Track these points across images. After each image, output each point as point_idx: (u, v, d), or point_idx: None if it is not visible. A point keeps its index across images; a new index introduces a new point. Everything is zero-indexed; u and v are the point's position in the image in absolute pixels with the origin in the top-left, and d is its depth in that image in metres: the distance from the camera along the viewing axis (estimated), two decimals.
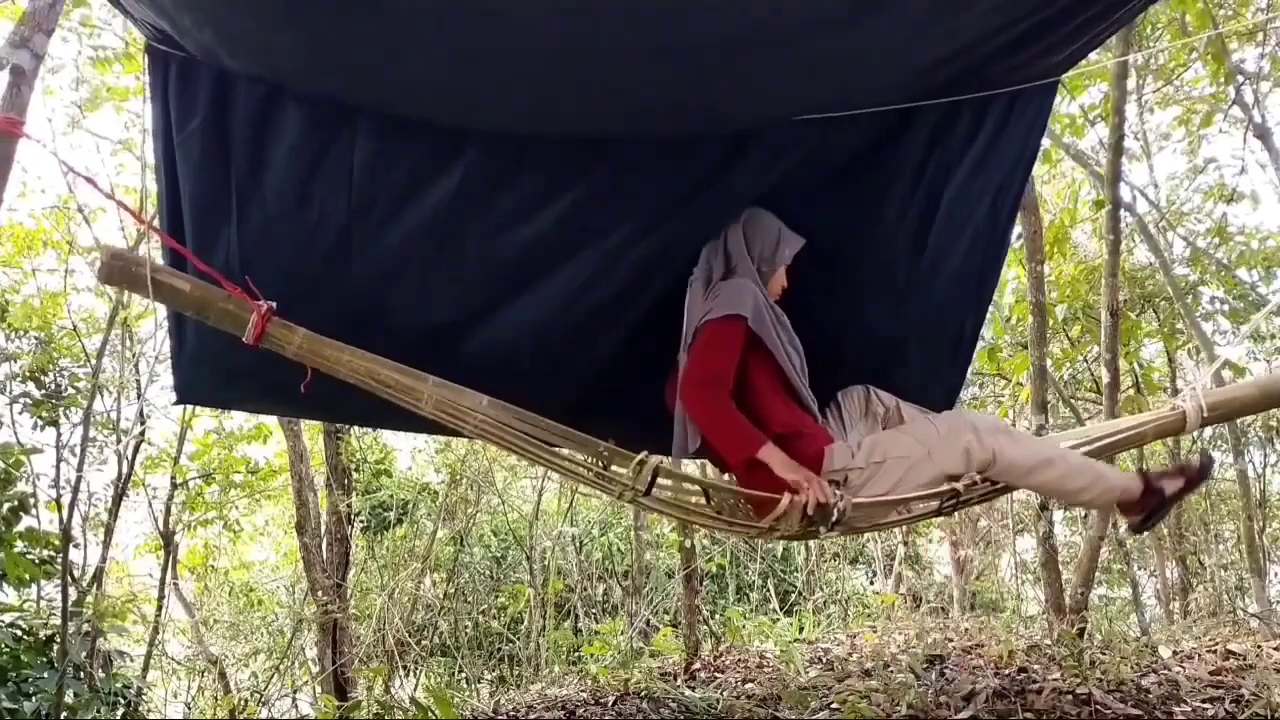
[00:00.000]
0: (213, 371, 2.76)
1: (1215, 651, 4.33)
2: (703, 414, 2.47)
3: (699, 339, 2.55)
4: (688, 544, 5.65)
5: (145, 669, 5.66)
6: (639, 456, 2.30)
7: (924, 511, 2.60)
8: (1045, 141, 5.76)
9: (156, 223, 2.67)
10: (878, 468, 2.43)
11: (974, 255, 2.96)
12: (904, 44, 2.30)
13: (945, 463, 2.45)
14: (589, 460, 2.45)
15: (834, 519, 2.30)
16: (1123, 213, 5.27)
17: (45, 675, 3.97)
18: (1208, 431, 8.01)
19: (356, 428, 7.12)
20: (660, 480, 2.35)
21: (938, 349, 3.10)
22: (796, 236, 2.72)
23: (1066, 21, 2.31)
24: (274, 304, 2.18)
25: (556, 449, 2.46)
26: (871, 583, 10.28)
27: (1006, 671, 4.19)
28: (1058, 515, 8.14)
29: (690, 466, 4.08)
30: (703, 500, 2.59)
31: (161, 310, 3.06)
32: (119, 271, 2.14)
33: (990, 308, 3.29)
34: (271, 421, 6.49)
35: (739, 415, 2.45)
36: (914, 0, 2.08)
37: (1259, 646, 4.34)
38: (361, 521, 7.83)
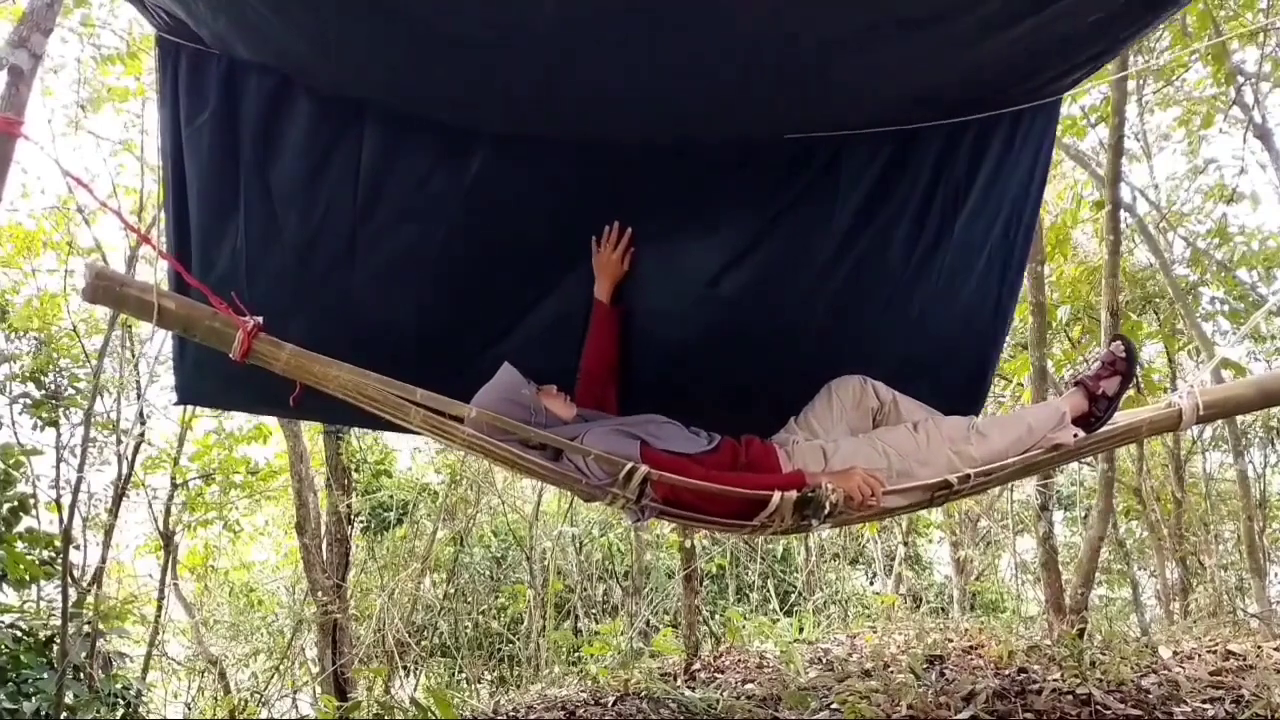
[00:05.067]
0: (214, 374, 2.76)
1: (1215, 652, 4.33)
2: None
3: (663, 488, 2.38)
4: (688, 544, 5.65)
5: (145, 669, 5.66)
6: (627, 466, 2.28)
7: (916, 503, 2.64)
8: None
9: (161, 219, 2.67)
10: (846, 474, 2.44)
11: (990, 281, 2.92)
12: (922, 65, 2.29)
13: (924, 473, 2.51)
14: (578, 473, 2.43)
15: (826, 511, 2.31)
16: (1123, 213, 5.27)
17: (45, 676, 3.97)
18: (1208, 431, 8.02)
19: (356, 428, 7.13)
20: (650, 489, 2.34)
21: (952, 376, 3.04)
22: (507, 379, 2.50)
23: (1079, 44, 2.30)
24: (260, 319, 2.18)
25: (545, 464, 2.44)
26: (871, 583, 10.28)
27: (1006, 672, 4.19)
28: (1058, 515, 8.14)
29: None
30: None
31: None
32: (103, 291, 2.15)
33: (1008, 334, 3.22)
34: (271, 422, 6.49)
35: (748, 475, 2.47)
36: (948, 23, 2.07)
37: (1259, 647, 4.34)
38: (361, 522, 7.83)
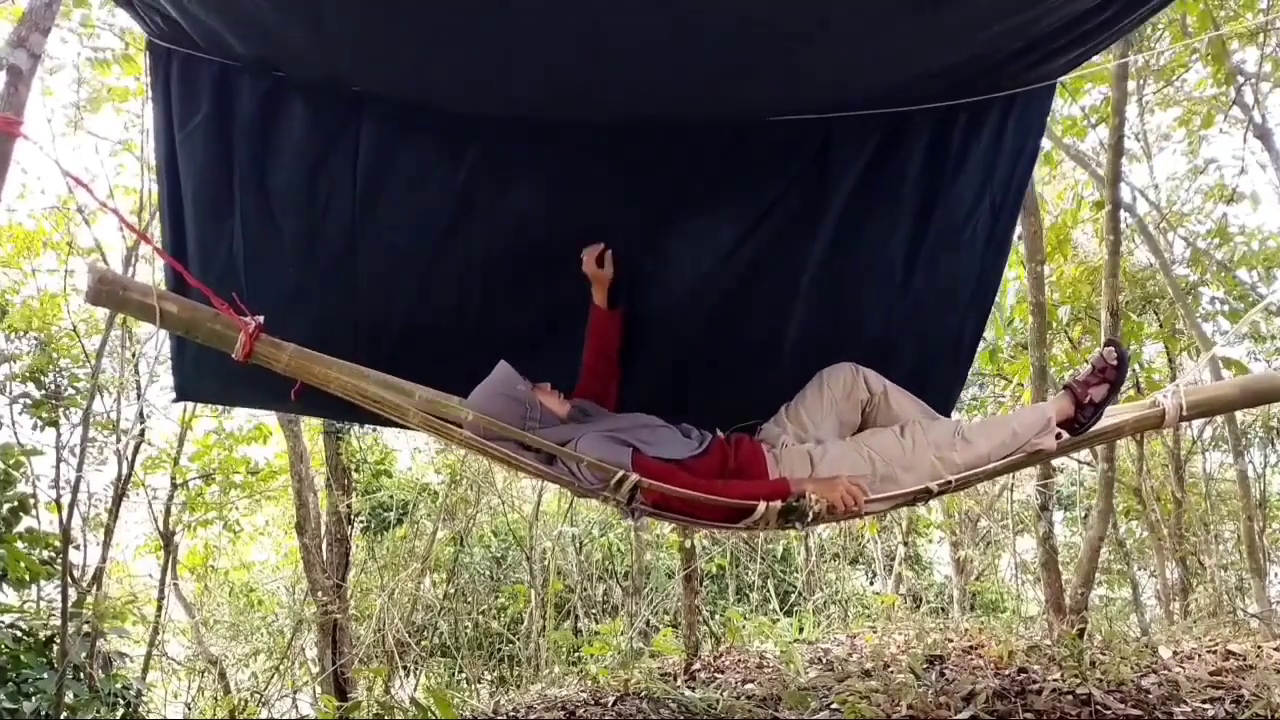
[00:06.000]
0: (213, 371, 2.76)
1: (1215, 652, 4.33)
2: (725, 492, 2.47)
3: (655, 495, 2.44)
4: (688, 544, 5.65)
5: (145, 669, 5.66)
6: (618, 474, 2.33)
7: (897, 505, 2.70)
8: (1046, 143, 5.76)
9: (158, 222, 2.68)
10: (830, 483, 2.47)
11: (973, 258, 2.94)
12: (921, 47, 2.29)
13: (908, 479, 2.55)
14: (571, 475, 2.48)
15: (809, 519, 2.37)
16: (1123, 213, 5.27)
17: (45, 676, 3.97)
18: (1208, 431, 8.02)
19: (356, 427, 7.13)
20: (641, 495, 2.40)
21: (935, 353, 3.08)
22: (503, 376, 2.54)
23: (1076, 27, 2.30)
24: (261, 319, 2.19)
25: (540, 467, 2.48)
26: (871, 583, 10.28)
27: (1006, 672, 4.19)
28: (1058, 515, 8.15)
29: None
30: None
31: None
32: (106, 294, 2.17)
33: (991, 309, 3.27)
34: (271, 422, 6.49)
35: (735, 483, 2.51)
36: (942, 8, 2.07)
37: (1259, 647, 4.34)
38: (361, 522, 7.83)
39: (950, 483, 2.55)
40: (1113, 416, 2.76)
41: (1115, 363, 2.64)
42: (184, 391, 2.99)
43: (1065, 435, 2.66)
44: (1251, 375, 3.44)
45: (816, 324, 2.94)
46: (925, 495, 2.59)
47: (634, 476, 2.34)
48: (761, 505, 2.36)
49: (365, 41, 2.24)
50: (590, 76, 2.36)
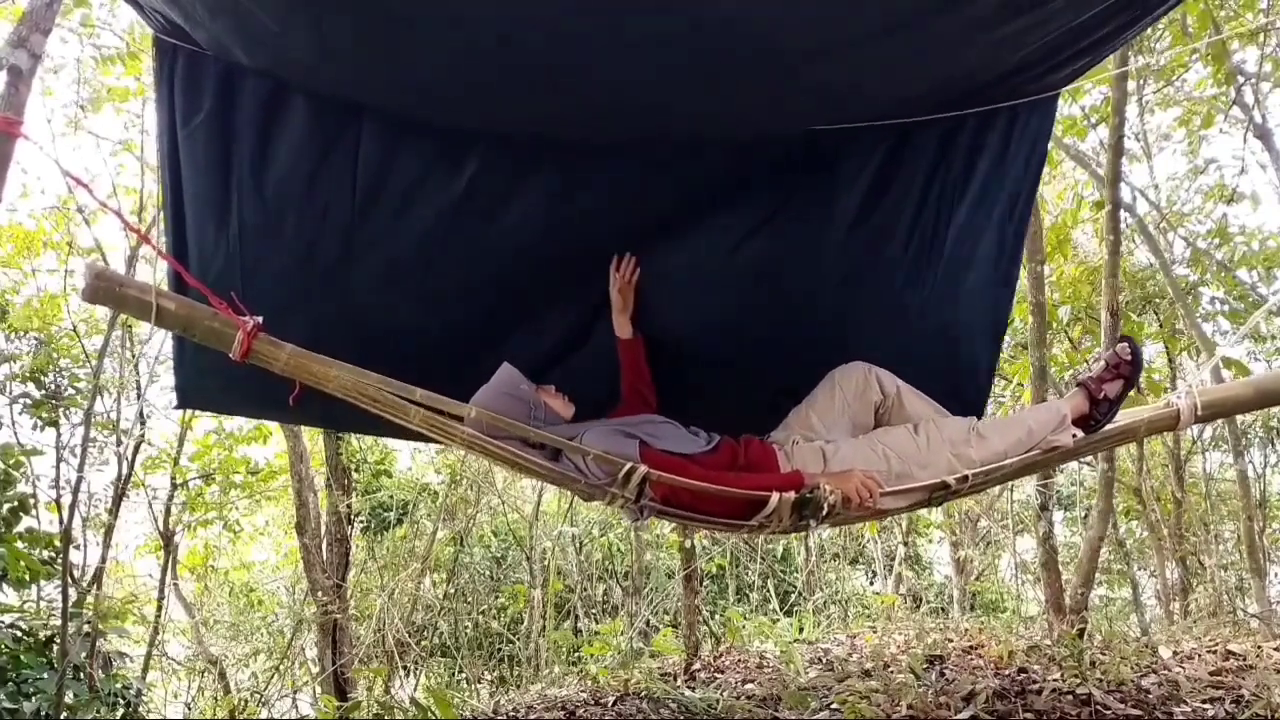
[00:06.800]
0: (214, 376, 2.76)
1: (1215, 652, 4.33)
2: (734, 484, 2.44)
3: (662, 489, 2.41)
4: (688, 544, 5.65)
5: (145, 669, 5.66)
6: (626, 466, 2.30)
7: (914, 504, 2.65)
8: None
9: (161, 219, 2.67)
10: (845, 475, 2.45)
11: (986, 268, 2.92)
12: (922, 59, 2.29)
13: (923, 475, 2.52)
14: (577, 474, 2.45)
15: (824, 512, 2.33)
16: (1123, 213, 5.27)
17: (45, 676, 3.97)
18: (1208, 431, 8.02)
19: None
20: (649, 489, 2.36)
21: (951, 364, 3.03)
22: (506, 376, 2.57)
23: (1082, 37, 2.30)
24: (260, 319, 2.18)
25: (545, 464, 2.46)
26: (871, 583, 10.28)
27: (1006, 672, 4.19)
28: (1058, 515, 8.15)
29: None
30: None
31: None
32: (103, 291, 2.15)
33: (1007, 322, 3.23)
34: (272, 422, 6.49)
35: (746, 476, 2.48)
36: (956, 17, 2.07)
37: (1259, 647, 4.34)
38: (361, 522, 7.83)
39: (967, 479, 2.51)
40: (1127, 418, 2.75)
41: (1129, 358, 2.64)
42: (185, 397, 2.98)
43: (1080, 433, 2.64)
44: (1266, 375, 3.40)
45: (832, 332, 2.92)
46: (942, 492, 2.54)
47: (643, 468, 2.29)
48: (775, 496, 2.32)
49: (367, 55, 2.23)
50: (599, 102, 2.36)
